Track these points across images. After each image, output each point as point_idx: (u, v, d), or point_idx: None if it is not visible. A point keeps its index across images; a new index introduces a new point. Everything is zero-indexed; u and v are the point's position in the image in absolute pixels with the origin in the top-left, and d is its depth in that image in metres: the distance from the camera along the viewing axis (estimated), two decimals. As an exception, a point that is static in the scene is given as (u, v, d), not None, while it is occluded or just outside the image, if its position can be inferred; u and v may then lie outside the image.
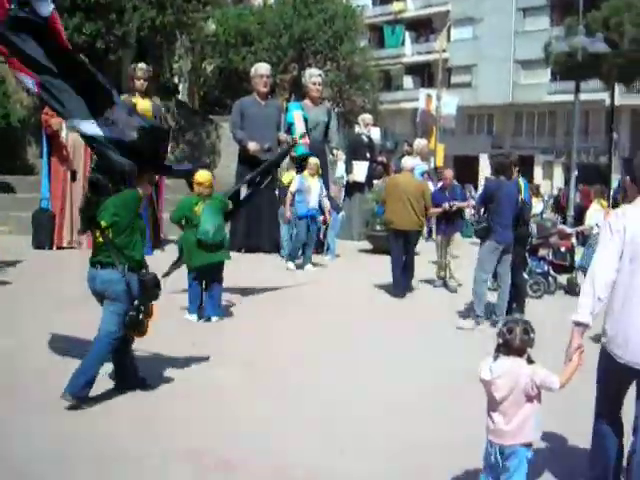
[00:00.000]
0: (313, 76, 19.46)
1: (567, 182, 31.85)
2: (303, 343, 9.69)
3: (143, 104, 16.93)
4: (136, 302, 7.01)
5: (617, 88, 43.65)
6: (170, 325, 9.61)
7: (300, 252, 16.26)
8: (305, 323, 10.80)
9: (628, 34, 24.53)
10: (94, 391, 7.06)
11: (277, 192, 18.31)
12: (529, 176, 50.58)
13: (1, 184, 20.41)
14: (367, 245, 19.29)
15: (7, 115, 20.86)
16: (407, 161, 15.03)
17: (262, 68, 18.93)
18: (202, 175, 10.69)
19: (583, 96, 50.40)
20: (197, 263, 10.50)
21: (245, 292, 12.51)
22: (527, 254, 13.48)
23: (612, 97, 27.00)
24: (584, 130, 53.28)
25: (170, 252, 17.13)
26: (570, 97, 51.96)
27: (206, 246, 10.38)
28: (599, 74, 23.46)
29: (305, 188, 16.12)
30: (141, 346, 7.89)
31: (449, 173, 14.88)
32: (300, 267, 15.76)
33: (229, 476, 5.65)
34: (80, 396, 6.84)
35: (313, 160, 16.71)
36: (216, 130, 26.40)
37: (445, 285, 14.24)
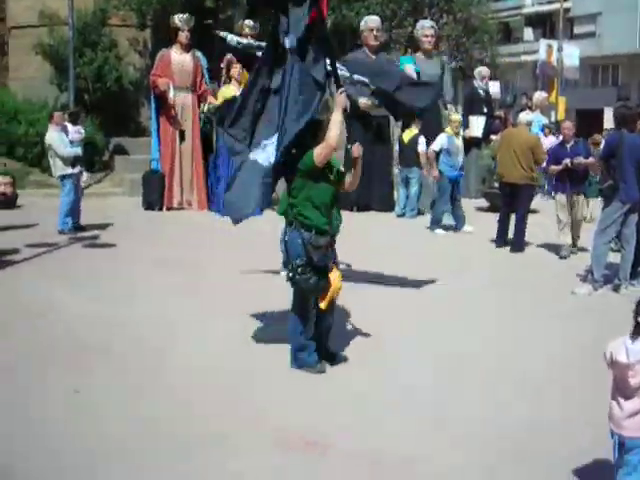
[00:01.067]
0: (425, 28, 18.79)
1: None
2: (426, 312, 9.15)
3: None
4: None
5: None
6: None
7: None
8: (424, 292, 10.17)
9: None
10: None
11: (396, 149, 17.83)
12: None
13: (116, 146, 20.57)
14: (484, 203, 18.61)
15: (119, 78, 20.94)
16: (523, 115, 14.39)
17: (372, 21, 18.35)
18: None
19: None
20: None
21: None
22: None
23: None
24: None
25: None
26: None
27: None
28: None
29: (453, 149, 15.39)
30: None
31: (568, 125, 13.25)
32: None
33: (321, 459, 5.21)
34: (302, 365, 6.79)
35: (455, 117, 16.08)
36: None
37: (571, 252, 12.83)
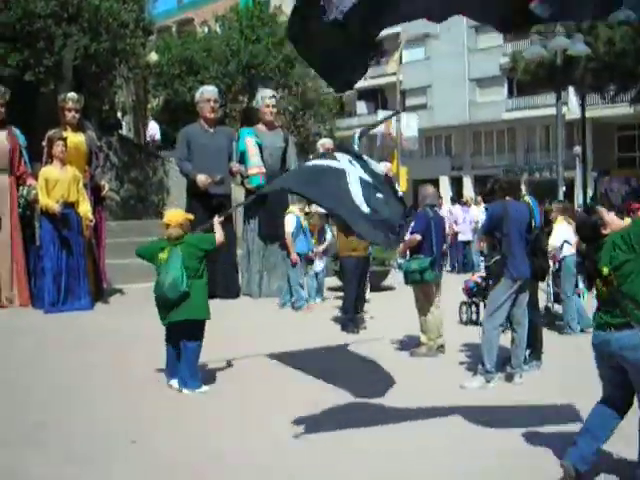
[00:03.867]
0: (266, 97, 17.53)
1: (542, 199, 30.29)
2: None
3: (75, 138, 14.98)
4: None
5: (576, 100, 42.54)
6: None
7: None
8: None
9: (602, 36, 23.04)
10: None
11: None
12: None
13: None
14: (337, 281, 17.39)
15: None
16: None
17: (208, 91, 17.04)
18: (169, 214, 8.92)
19: (542, 111, 50.00)
20: (162, 320, 8.69)
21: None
22: None
23: (582, 106, 25.51)
24: (545, 146, 52.14)
25: (116, 304, 15.22)
26: (528, 113, 51.67)
27: (166, 301, 8.44)
28: (572, 81, 21.79)
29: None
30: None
31: (427, 191, 11.17)
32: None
33: None
34: None
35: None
36: (163, 166, 24.47)
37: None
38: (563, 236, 12.44)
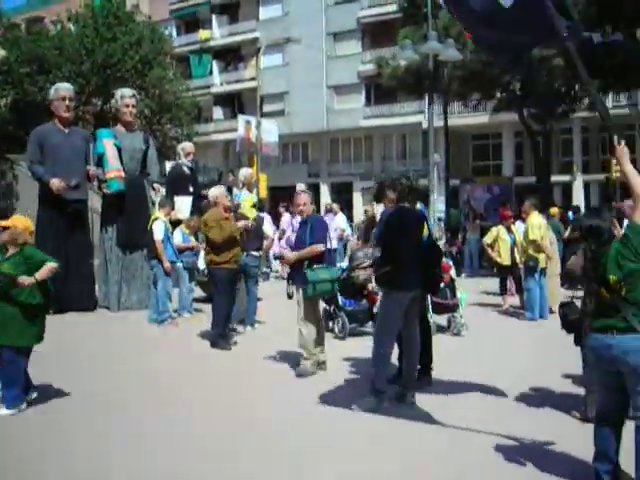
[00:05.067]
0: (125, 97, 16.44)
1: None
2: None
3: None
4: None
5: (430, 109, 42.86)
6: None
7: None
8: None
9: (470, 44, 22.88)
10: None
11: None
12: (348, 203, 49.13)
13: None
14: (199, 292, 16.51)
15: None
16: (213, 191, 12.45)
17: (64, 88, 15.84)
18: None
19: (400, 119, 50.38)
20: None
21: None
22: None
23: (445, 114, 25.36)
24: (402, 154, 52.47)
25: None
26: (385, 121, 51.89)
27: None
28: (438, 89, 21.56)
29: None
30: None
31: (302, 199, 9.97)
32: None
33: None
34: None
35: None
36: (12, 169, 22.91)
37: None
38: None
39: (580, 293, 7.84)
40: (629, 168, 5.69)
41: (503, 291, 16.67)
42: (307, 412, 8.02)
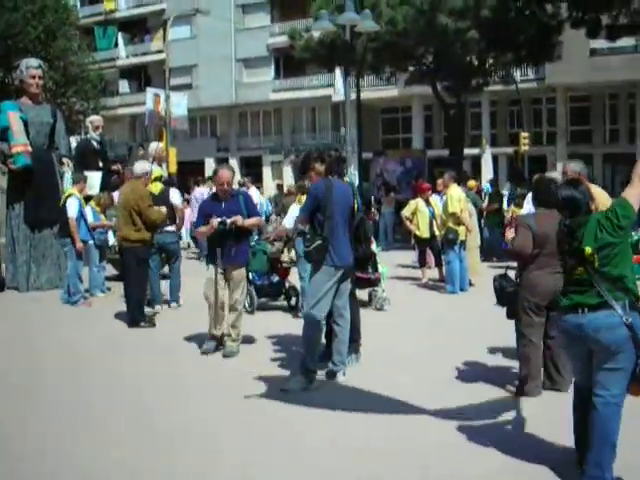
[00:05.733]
0: (31, 67, 15.75)
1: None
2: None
3: None
4: None
5: (346, 82, 42.68)
6: None
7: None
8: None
9: (385, 15, 22.69)
10: None
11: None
12: (258, 177, 48.65)
13: None
14: (110, 270, 15.99)
15: None
16: (137, 166, 12.02)
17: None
18: None
19: (309, 93, 50.05)
20: None
21: None
22: None
23: (358, 87, 25.07)
24: (312, 128, 52.23)
25: None
26: (294, 94, 51.49)
27: None
28: (352, 61, 21.26)
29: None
30: None
31: (224, 175, 9.54)
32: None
33: None
34: None
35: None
36: None
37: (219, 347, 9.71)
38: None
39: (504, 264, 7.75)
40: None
41: (422, 264, 16.59)
42: (233, 389, 7.72)
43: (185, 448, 6.19)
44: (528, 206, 10.41)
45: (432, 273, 16.44)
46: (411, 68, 27.94)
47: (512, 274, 7.78)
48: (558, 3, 25.40)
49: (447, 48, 23.92)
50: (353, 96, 23.75)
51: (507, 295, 7.44)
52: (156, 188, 13.15)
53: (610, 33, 26.73)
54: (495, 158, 45.51)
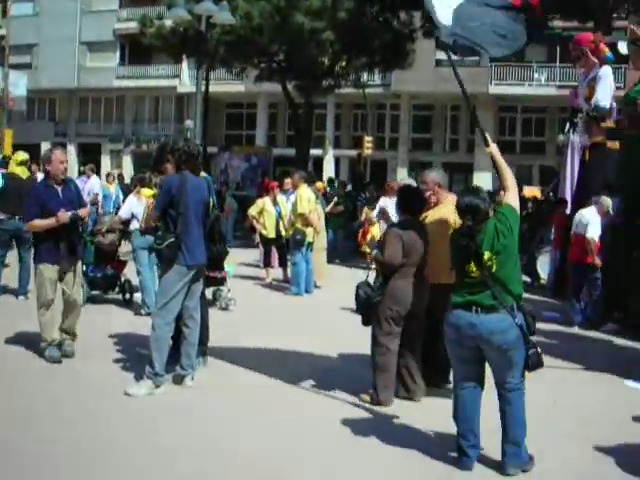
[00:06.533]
0: None
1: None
2: None
3: None
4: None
5: (188, 73, 42.15)
6: None
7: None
8: None
9: (241, 9, 22.26)
10: None
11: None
12: (97, 165, 47.31)
13: None
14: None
15: None
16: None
17: None
18: None
19: (154, 82, 49.01)
20: None
21: None
22: None
23: (207, 80, 24.55)
24: (154, 118, 51.29)
25: None
26: (139, 82, 50.33)
27: None
28: (205, 53, 20.70)
29: None
30: None
31: (63, 156, 8.70)
32: None
33: None
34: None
35: None
36: None
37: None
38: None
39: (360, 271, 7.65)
40: (502, 162, 6.11)
41: (267, 264, 16.37)
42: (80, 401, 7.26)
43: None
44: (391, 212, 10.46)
45: (276, 273, 16.26)
46: (263, 65, 27.68)
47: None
48: (411, 12, 25.78)
49: (301, 47, 23.83)
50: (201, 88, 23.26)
51: (372, 304, 7.32)
52: (24, 172, 12.56)
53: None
54: (337, 160, 45.98)
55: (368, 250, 18.84)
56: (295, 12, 22.33)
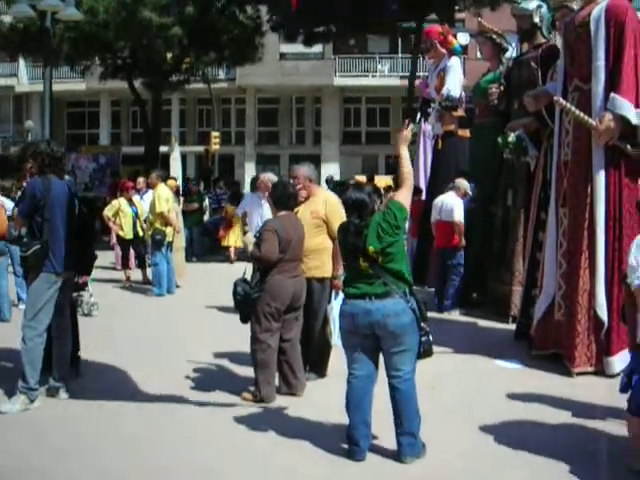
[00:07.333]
0: None
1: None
2: None
3: None
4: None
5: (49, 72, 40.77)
6: None
7: None
8: None
9: (86, 4, 21.56)
10: None
11: None
12: None
13: None
14: None
15: None
16: None
17: None
18: None
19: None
20: None
21: None
22: None
23: (50, 79, 23.48)
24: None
25: None
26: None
27: None
28: (50, 50, 19.85)
29: None
30: None
31: None
32: None
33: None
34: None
35: None
36: None
37: None
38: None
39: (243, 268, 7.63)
40: (405, 153, 6.18)
41: (125, 266, 16.01)
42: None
43: None
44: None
45: (134, 274, 15.94)
46: (108, 62, 26.99)
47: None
48: (257, 6, 25.80)
49: (148, 43, 23.41)
50: (42, 87, 22.39)
51: (250, 301, 7.25)
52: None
53: (306, 38, 27.74)
54: (184, 157, 45.56)
55: (231, 244, 18.89)
56: (142, 8, 21.90)
